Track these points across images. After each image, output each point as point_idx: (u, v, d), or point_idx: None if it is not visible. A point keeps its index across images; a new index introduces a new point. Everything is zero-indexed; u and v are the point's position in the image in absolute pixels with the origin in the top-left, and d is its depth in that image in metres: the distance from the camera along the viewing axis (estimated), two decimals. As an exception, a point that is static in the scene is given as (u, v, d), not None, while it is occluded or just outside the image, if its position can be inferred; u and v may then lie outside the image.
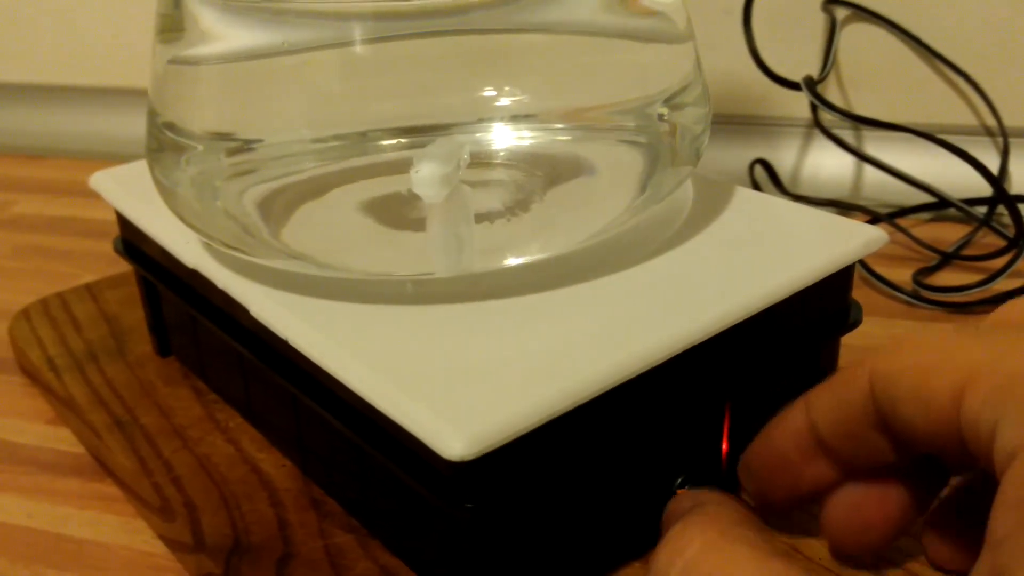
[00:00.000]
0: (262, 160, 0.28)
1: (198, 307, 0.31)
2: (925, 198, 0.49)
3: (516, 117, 0.28)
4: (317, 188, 0.28)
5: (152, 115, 0.29)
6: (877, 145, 0.51)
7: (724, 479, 0.28)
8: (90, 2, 0.65)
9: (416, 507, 0.25)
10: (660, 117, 0.28)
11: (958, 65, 0.50)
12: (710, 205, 0.31)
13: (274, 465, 0.31)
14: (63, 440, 0.37)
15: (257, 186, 0.28)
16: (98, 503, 0.33)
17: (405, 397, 0.22)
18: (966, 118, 0.51)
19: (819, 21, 0.51)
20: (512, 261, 0.27)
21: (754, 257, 0.27)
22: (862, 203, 0.51)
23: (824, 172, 0.53)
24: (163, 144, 0.29)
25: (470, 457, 0.21)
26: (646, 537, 0.27)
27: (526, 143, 0.28)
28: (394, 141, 0.28)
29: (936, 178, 0.49)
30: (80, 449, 0.36)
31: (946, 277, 0.44)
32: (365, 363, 0.23)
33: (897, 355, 0.21)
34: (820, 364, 0.30)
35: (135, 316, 0.41)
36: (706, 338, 0.24)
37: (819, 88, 0.48)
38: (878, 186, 0.51)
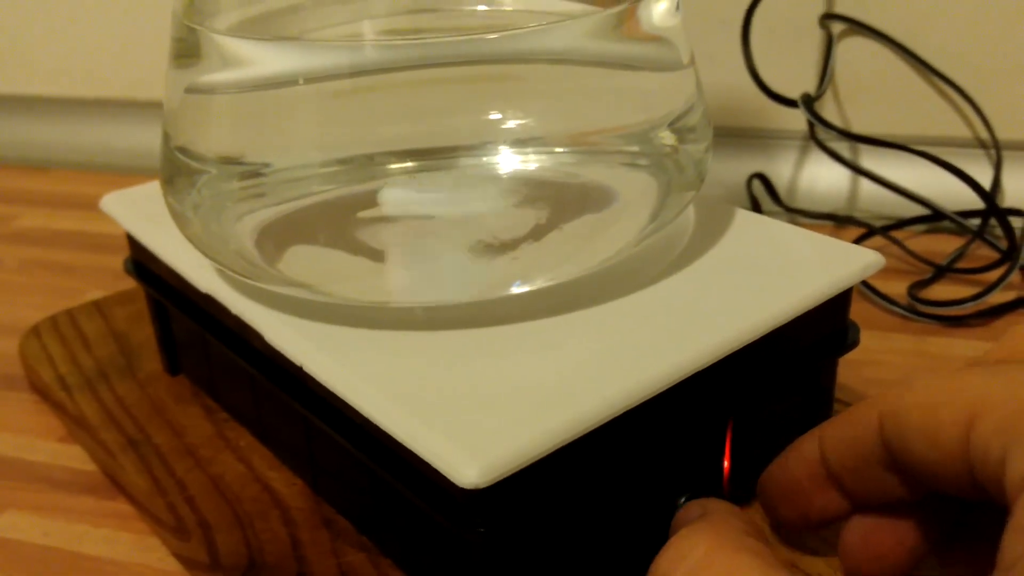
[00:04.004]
0: (271, 184, 0.29)
1: (211, 330, 0.32)
2: (920, 210, 0.50)
3: (521, 141, 0.29)
4: (321, 213, 0.29)
5: (166, 139, 0.30)
6: (873, 158, 0.52)
7: (726, 497, 0.29)
8: (94, 14, 0.65)
9: (428, 529, 0.26)
10: (663, 142, 0.29)
11: (952, 79, 0.50)
12: (712, 228, 0.31)
13: (285, 484, 0.32)
14: (75, 458, 0.37)
15: (256, 213, 0.29)
16: (112, 521, 0.34)
17: (419, 425, 0.23)
18: (960, 131, 0.52)
19: (815, 35, 0.52)
20: (519, 289, 0.27)
21: (756, 282, 0.28)
22: (857, 216, 0.52)
23: (820, 185, 0.54)
24: (177, 168, 0.30)
25: (483, 485, 0.21)
26: (650, 555, 0.28)
27: (531, 167, 0.29)
28: (401, 164, 0.29)
29: (930, 191, 0.49)
30: (92, 467, 0.36)
31: (940, 290, 0.45)
32: (379, 391, 0.24)
33: (906, 393, 0.22)
34: (819, 384, 0.30)
35: (144, 333, 0.41)
36: (711, 363, 0.25)
37: (816, 99, 0.49)
38: (873, 199, 0.52)
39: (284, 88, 0.28)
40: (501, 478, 0.22)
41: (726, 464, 0.29)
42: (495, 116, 0.28)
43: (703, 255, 0.30)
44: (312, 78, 0.28)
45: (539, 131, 0.28)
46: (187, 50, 0.30)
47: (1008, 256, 0.45)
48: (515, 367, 0.25)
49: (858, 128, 0.52)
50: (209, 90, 0.29)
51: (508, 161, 0.28)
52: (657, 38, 0.29)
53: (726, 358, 0.26)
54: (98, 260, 0.53)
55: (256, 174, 0.29)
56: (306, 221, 0.29)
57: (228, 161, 0.29)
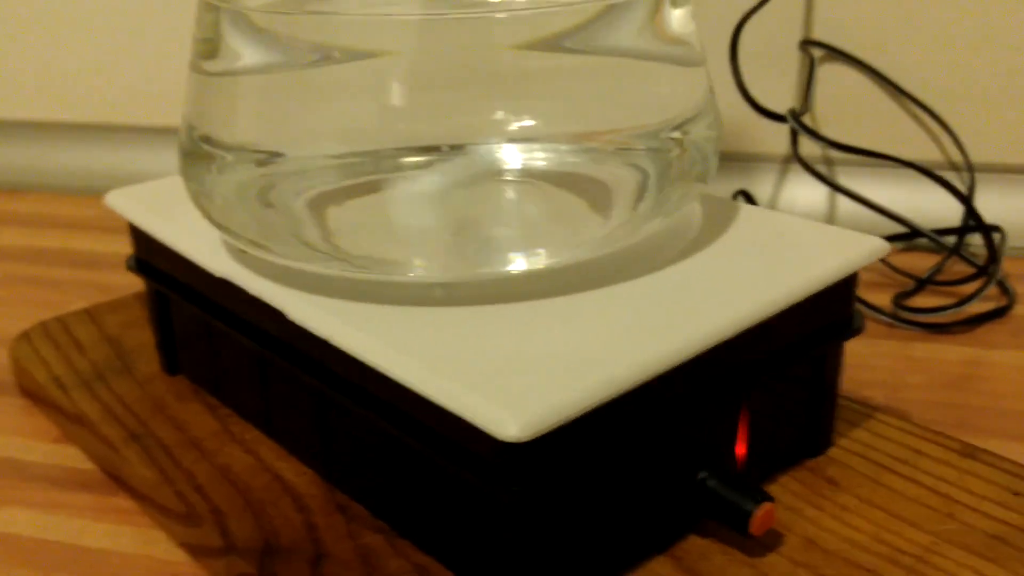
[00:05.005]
0: (286, 173, 0.29)
1: (221, 318, 0.32)
2: (897, 228, 0.51)
3: (533, 138, 0.29)
4: (336, 200, 0.29)
5: (189, 129, 0.30)
6: (850, 179, 0.53)
7: (740, 475, 0.29)
8: (70, 39, 0.65)
9: (456, 498, 0.26)
10: (672, 139, 0.30)
11: (926, 104, 0.52)
12: (720, 220, 0.32)
13: (295, 473, 0.32)
14: (71, 457, 0.37)
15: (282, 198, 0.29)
16: (113, 515, 0.33)
17: (455, 384, 0.23)
18: (933, 154, 0.54)
19: (792, 62, 0.54)
20: (518, 267, 0.28)
21: (769, 263, 0.29)
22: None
23: (799, 204, 0.55)
24: (196, 153, 0.30)
25: (524, 439, 0.22)
26: (669, 531, 0.28)
27: (540, 162, 0.29)
28: (414, 159, 0.29)
29: (906, 209, 0.51)
30: (90, 466, 0.36)
31: (922, 301, 0.46)
32: (411, 356, 0.24)
33: None
34: (826, 370, 0.31)
35: (138, 338, 0.41)
36: (734, 334, 0.26)
37: (801, 114, 0.51)
38: (850, 218, 0.54)
39: (300, 74, 0.29)
40: (541, 434, 0.22)
41: (741, 448, 0.29)
42: (507, 114, 0.29)
43: (714, 242, 0.31)
44: (333, 60, 0.28)
45: (550, 129, 0.29)
46: (212, 50, 0.30)
47: (985, 270, 0.47)
48: (543, 336, 0.25)
49: (835, 152, 0.54)
50: (232, 74, 0.30)
51: (518, 155, 0.29)
52: (679, 40, 0.30)
53: (743, 334, 0.26)
54: (83, 275, 0.53)
55: (270, 162, 0.29)
56: (325, 207, 0.29)
57: (246, 148, 0.30)
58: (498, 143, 0.29)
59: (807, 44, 0.52)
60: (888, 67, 0.53)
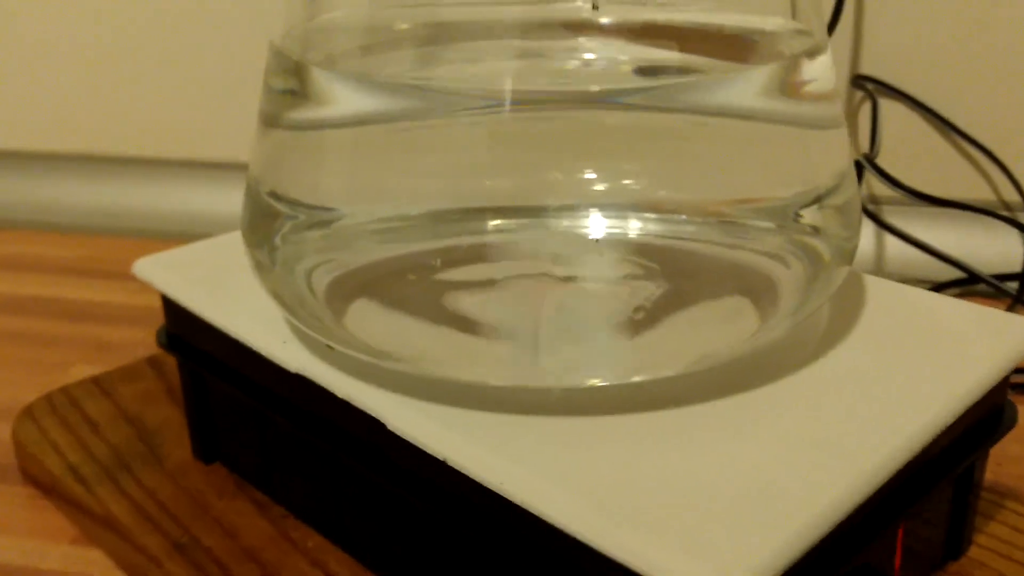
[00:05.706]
0: (355, 235, 0.25)
1: (289, 416, 0.28)
2: (952, 274, 0.49)
3: (639, 205, 0.25)
4: (415, 272, 0.25)
5: (256, 184, 0.26)
6: (898, 220, 0.51)
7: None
8: (51, 66, 0.60)
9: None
10: (805, 216, 0.26)
11: (981, 142, 0.50)
12: (847, 298, 0.29)
13: (375, 593, 0.28)
14: (94, 562, 0.32)
15: (335, 270, 0.25)
16: (158, 641, 0.29)
17: (628, 532, 0.19)
18: (985, 192, 0.51)
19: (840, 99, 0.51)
20: (639, 377, 0.24)
21: (928, 360, 0.25)
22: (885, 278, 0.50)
23: (847, 247, 0.52)
24: (265, 214, 0.26)
25: (735, 610, 0.18)
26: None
27: (648, 239, 0.26)
28: (499, 221, 0.25)
29: (957, 253, 0.49)
30: (119, 574, 0.31)
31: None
32: (566, 492, 0.21)
33: None
34: (974, 467, 0.28)
35: (160, 415, 0.37)
36: (919, 450, 0.22)
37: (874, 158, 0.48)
38: (901, 261, 0.51)
39: (380, 130, 0.25)
40: (750, 599, 0.18)
41: (896, 563, 0.26)
42: (614, 175, 0.25)
43: (853, 329, 0.27)
44: (422, 117, 0.25)
45: (663, 197, 0.25)
46: (294, 102, 0.26)
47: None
48: (703, 457, 0.22)
49: (880, 191, 0.51)
50: (314, 127, 0.26)
51: (623, 228, 0.25)
52: (811, 94, 0.27)
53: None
54: (77, 330, 0.48)
55: (337, 221, 0.25)
56: (381, 281, 0.25)
57: (315, 207, 0.26)
58: (597, 212, 0.25)
59: (860, 79, 0.50)
60: (939, 103, 0.50)
